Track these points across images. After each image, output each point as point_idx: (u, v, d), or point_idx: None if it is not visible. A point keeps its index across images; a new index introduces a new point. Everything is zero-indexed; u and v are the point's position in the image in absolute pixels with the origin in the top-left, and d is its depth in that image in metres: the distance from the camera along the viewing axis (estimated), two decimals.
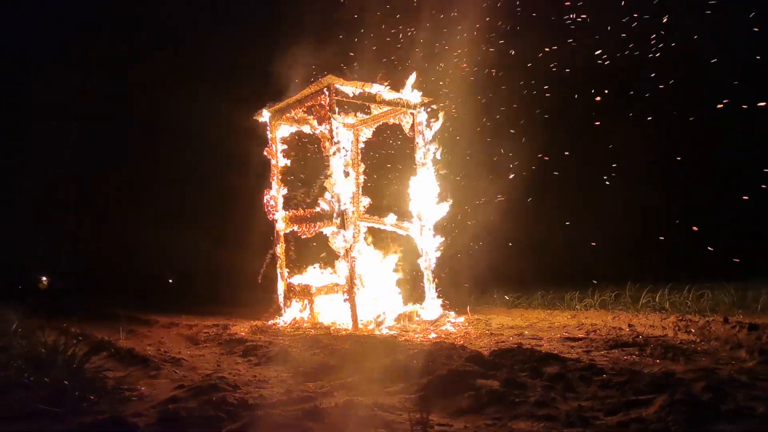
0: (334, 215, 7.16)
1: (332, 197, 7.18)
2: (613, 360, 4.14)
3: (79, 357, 3.47)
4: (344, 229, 7.08)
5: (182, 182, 19.54)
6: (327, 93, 7.13)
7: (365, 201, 8.73)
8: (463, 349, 4.40)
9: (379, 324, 7.10)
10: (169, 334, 7.58)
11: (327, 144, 7.19)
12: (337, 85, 7.14)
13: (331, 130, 7.10)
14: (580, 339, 5.43)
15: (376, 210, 8.80)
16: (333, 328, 6.85)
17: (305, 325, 7.05)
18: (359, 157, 8.78)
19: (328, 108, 7.13)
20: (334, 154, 7.12)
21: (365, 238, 8.65)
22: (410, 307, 7.68)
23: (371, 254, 8.51)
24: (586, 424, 2.38)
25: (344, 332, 6.53)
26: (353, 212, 8.41)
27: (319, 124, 7.26)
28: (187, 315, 10.23)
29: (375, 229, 8.56)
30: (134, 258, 19.12)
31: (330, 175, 7.15)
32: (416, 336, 6.42)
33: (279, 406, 2.69)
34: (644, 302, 8.61)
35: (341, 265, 7.16)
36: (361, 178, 8.80)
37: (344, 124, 8.59)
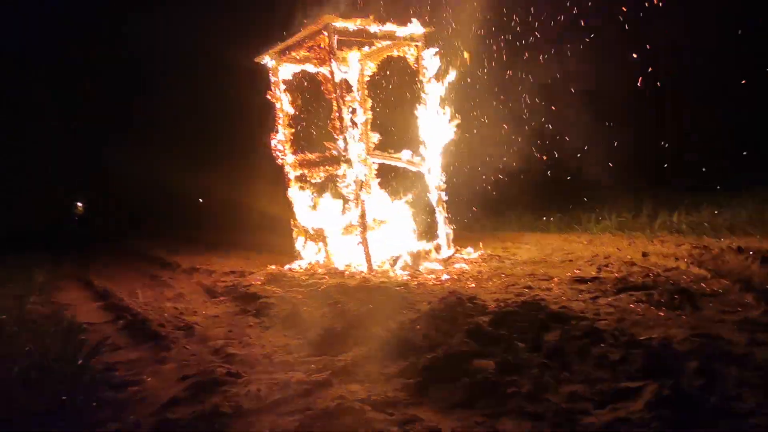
0: (341, 159, 7.09)
1: (338, 140, 7.08)
2: (618, 314, 4.14)
3: (85, 353, 3.56)
4: (353, 173, 7.02)
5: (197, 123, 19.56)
6: (326, 33, 6.92)
7: (375, 137, 8.61)
8: (468, 309, 4.41)
9: (393, 265, 7.15)
10: (189, 283, 7.76)
11: (329, 86, 7.03)
12: (335, 24, 6.91)
13: (332, 72, 6.93)
14: (589, 280, 5.41)
15: (388, 145, 8.70)
16: (347, 272, 6.92)
17: (320, 270, 7.13)
18: (366, 92, 8.59)
19: (327, 49, 6.94)
20: (337, 95, 6.97)
21: (376, 175, 8.62)
22: (425, 245, 7.70)
23: (384, 191, 8.48)
24: (573, 423, 2.41)
25: (358, 277, 6.59)
26: (363, 150, 8.35)
27: (320, 65, 7.09)
28: (208, 254, 10.44)
29: (389, 166, 8.49)
30: (157, 193, 19.40)
31: (334, 118, 7.03)
32: (429, 278, 6.47)
33: (274, 408, 2.76)
34: (661, 222, 8.55)
35: (352, 208, 7.14)
36: (369, 113, 8.63)
37: (348, 59, 8.38)
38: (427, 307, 4.78)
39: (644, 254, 6.65)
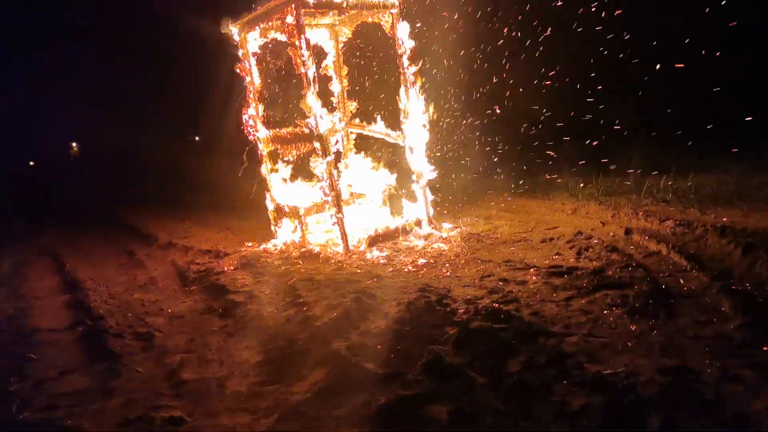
0: (313, 138, 6.79)
1: (309, 118, 6.77)
2: (588, 326, 3.97)
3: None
4: (324, 154, 6.74)
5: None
6: (292, 6, 6.52)
7: (352, 106, 8.29)
8: (436, 318, 4.23)
9: (369, 245, 6.96)
10: (164, 263, 7.60)
11: (298, 61, 6.67)
12: None
13: (301, 47, 6.57)
14: (566, 273, 5.22)
15: (369, 114, 8.39)
16: (322, 255, 6.73)
17: (294, 253, 6.93)
18: (341, 59, 8.23)
19: (295, 22, 6.56)
20: (306, 72, 6.62)
21: (356, 144, 8.35)
22: (404, 221, 7.48)
23: (361, 163, 8.22)
24: None
25: (333, 262, 6.42)
26: (340, 119, 8.04)
27: (288, 40, 6.72)
28: (189, 224, 10.24)
29: (366, 136, 8.20)
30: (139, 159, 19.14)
31: (305, 95, 6.70)
32: (406, 262, 6.28)
33: None
34: (648, 188, 8.31)
35: (326, 188, 6.89)
36: (345, 81, 8.29)
37: (320, 25, 7.98)
38: (395, 310, 4.62)
39: (627, 231, 6.46)
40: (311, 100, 6.65)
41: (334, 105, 8.31)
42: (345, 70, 8.23)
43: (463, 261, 6.09)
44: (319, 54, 8.23)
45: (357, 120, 8.20)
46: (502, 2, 10.43)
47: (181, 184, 16.28)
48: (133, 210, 12.93)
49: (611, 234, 6.50)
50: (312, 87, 6.63)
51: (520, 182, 10.05)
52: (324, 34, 8.11)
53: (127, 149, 21.05)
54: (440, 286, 5.23)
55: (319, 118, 6.68)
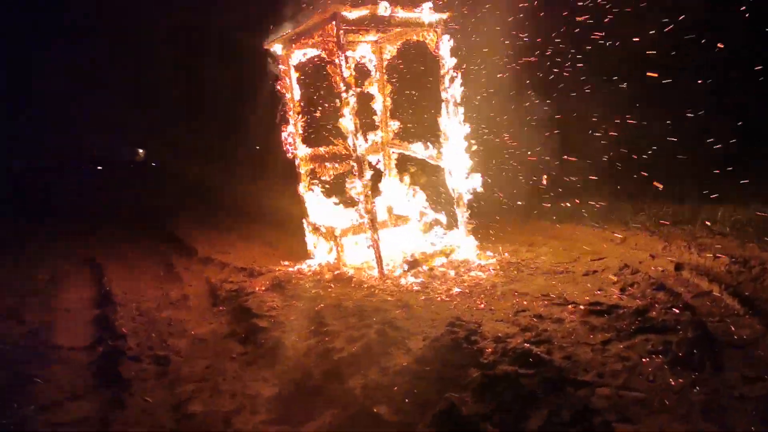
0: (351, 159, 6.63)
1: (347, 138, 6.62)
2: (623, 378, 3.65)
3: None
4: (360, 174, 6.57)
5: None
6: (334, 23, 6.39)
7: (394, 125, 8.10)
8: (461, 357, 3.99)
9: (406, 272, 6.74)
10: (199, 280, 7.52)
11: (338, 80, 6.53)
12: (344, 13, 6.37)
13: (340, 65, 6.42)
14: (606, 312, 4.89)
15: (411, 135, 8.21)
16: (356, 279, 6.54)
17: (327, 276, 6.76)
18: (385, 77, 8.06)
19: (335, 40, 6.42)
20: (344, 90, 6.47)
21: (395, 166, 8.16)
22: (443, 246, 7.24)
23: (401, 185, 8.03)
24: None
25: (365, 287, 6.23)
26: (381, 138, 7.88)
27: (329, 57, 6.58)
28: (233, 239, 10.19)
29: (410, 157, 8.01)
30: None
31: (342, 114, 6.55)
32: (441, 290, 6.05)
33: None
34: (704, 219, 7.86)
35: (362, 210, 6.71)
36: (389, 100, 8.11)
37: (364, 42, 7.84)
38: (420, 345, 4.39)
39: (677, 267, 6.08)
40: (348, 119, 6.49)
41: (376, 124, 8.14)
42: (388, 89, 8.05)
43: (500, 292, 5.81)
44: (363, 72, 8.10)
45: (398, 140, 8.01)
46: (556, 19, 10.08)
47: (234, 194, 16.35)
48: (182, 219, 12.99)
49: (660, 269, 6.12)
50: (350, 106, 6.47)
51: (569, 207, 9.66)
52: (368, 52, 7.95)
53: (190, 157, 21.30)
54: (471, 320, 4.97)
55: (356, 138, 6.50)
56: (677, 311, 4.73)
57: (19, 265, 8.65)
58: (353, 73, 6.54)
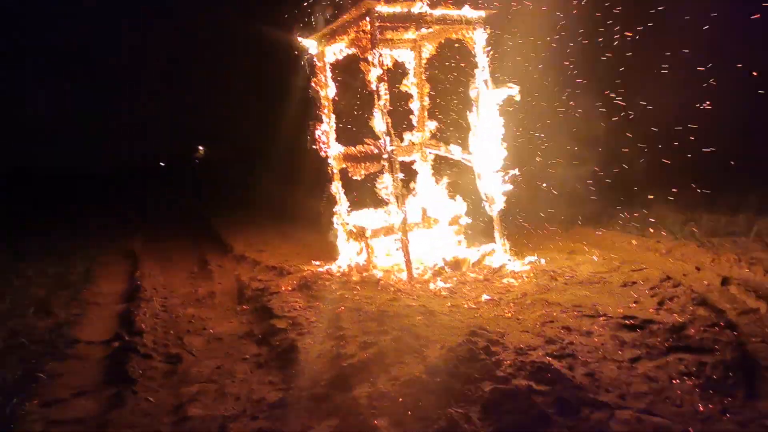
0: (382, 158, 6.46)
1: (379, 137, 6.46)
2: (648, 400, 3.38)
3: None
4: (392, 174, 6.39)
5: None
6: (368, 19, 6.24)
7: (431, 125, 7.89)
8: (478, 369, 3.77)
9: (435, 275, 6.54)
10: (229, 278, 7.49)
11: (370, 77, 6.37)
12: (378, 9, 6.21)
13: (373, 63, 6.26)
14: (640, 326, 4.58)
15: (447, 135, 8.00)
16: (383, 282, 6.36)
17: (354, 278, 6.60)
18: (423, 76, 7.85)
19: (369, 36, 6.27)
20: (377, 88, 6.31)
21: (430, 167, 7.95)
22: (475, 251, 7.01)
23: (437, 186, 7.82)
24: None
25: (392, 290, 6.05)
26: (420, 138, 7.70)
27: (362, 54, 6.43)
28: (272, 235, 10.16)
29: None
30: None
31: (374, 113, 6.39)
32: (469, 296, 5.83)
33: None
34: (759, 231, 7.42)
35: (393, 210, 6.53)
36: (426, 100, 7.90)
37: (403, 40, 7.65)
38: (435, 354, 4.18)
39: (724, 281, 5.70)
40: (380, 118, 6.32)
41: (413, 124, 7.95)
42: (427, 88, 7.85)
43: (530, 301, 5.55)
44: (401, 70, 7.93)
45: (434, 141, 7.80)
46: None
47: (274, 192, 16.37)
48: (225, 216, 13.07)
49: (705, 282, 5.75)
50: (383, 104, 6.30)
51: (615, 213, 9.27)
52: (406, 50, 7.77)
53: (249, 154, 21.44)
54: (495, 330, 4.74)
55: (387, 137, 6.33)
56: (717, 329, 4.39)
57: (61, 257, 8.77)
58: (386, 70, 6.36)
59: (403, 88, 7.86)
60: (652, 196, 9.22)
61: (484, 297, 5.78)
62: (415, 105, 7.90)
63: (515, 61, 7.46)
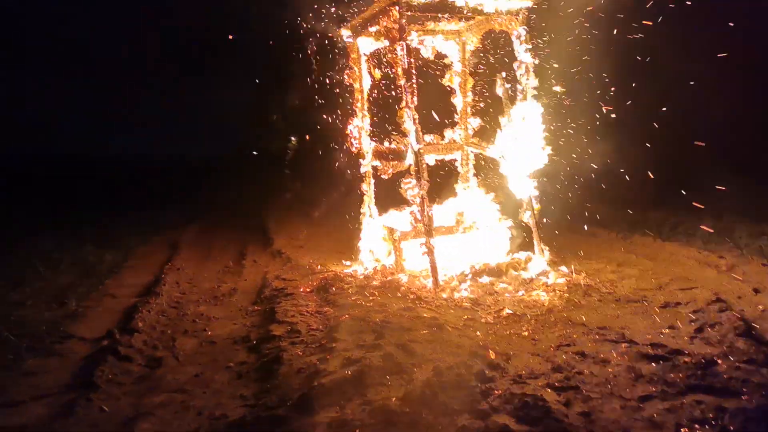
0: (408, 157, 6.09)
1: (406, 134, 6.09)
2: None
3: None
4: (418, 174, 6.01)
5: None
6: (398, 8, 5.86)
7: (475, 122, 7.43)
8: (461, 398, 3.38)
9: (462, 282, 6.13)
10: (257, 274, 7.34)
11: (399, 71, 6.00)
12: None
13: (404, 55, 5.89)
14: (664, 358, 4.04)
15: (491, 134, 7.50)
16: (404, 288, 6.00)
17: (375, 282, 6.26)
18: (468, 71, 7.40)
19: (398, 27, 5.89)
20: (406, 82, 5.93)
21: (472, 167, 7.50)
22: (509, 259, 6.53)
23: (478, 188, 7.37)
24: None
25: (410, 298, 5.69)
26: (462, 136, 7.27)
27: (391, 45, 6.07)
28: (315, 230, 9.94)
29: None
30: None
31: (402, 108, 6.02)
32: (491, 309, 5.40)
33: None
34: None
35: (418, 214, 6.15)
36: (470, 96, 7.45)
37: (444, 32, 7.22)
38: (422, 378, 3.80)
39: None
40: (408, 114, 5.95)
41: (455, 120, 7.52)
42: (471, 83, 7.39)
43: (553, 319, 5.06)
44: (444, 64, 7.51)
45: (476, 139, 7.35)
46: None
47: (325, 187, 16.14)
48: (273, 210, 12.95)
49: (760, 308, 5.09)
50: (412, 99, 5.92)
51: (680, 221, 8.53)
52: (450, 42, 7.34)
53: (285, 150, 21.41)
54: (503, 350, 4.32)
55: (414, 134, 5.95)
56: (753, 367, 3.80)
57: (103, 245, 8.83)
58: (419, 62, 5.97)
59: (445, 83, 7.43)
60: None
61: (507, 311, 5.32)
62: (457, 100, 7.46)
63: (561, 55, 6.87)
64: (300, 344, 4.58)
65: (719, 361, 3.91)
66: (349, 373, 3.85)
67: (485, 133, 7.16)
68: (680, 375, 3.76)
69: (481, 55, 7.37)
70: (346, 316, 5.12)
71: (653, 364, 3.97)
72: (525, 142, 6.38)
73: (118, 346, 4.47)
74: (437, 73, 7.44)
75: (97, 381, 3.88)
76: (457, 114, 7.48)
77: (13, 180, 18.75)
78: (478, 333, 4.78)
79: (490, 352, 4.24)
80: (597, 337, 4.57)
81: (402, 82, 5.93)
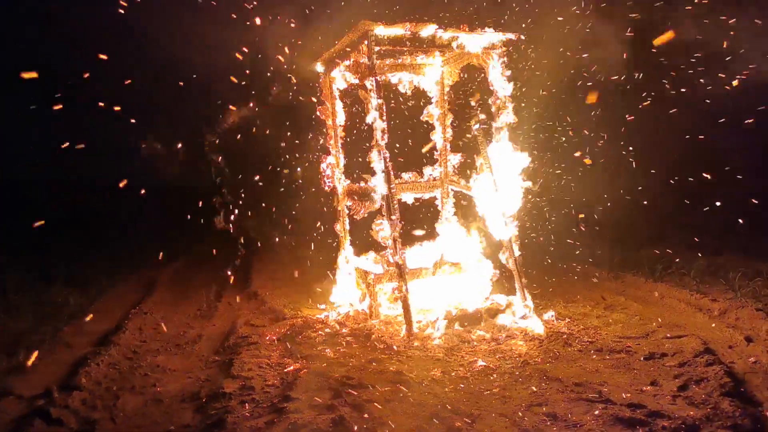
0: (378, 197, 5.79)
1: (374, 174, 5.80)
2: None
3: None
4: (389, 216, 5.70)
5: None
6: (366, 42, 5.62)
7: (455, 159, 7.15)
8: None
9: (435, 328, 5.78)
10: (226, 320, 6.96)
11: (368, 107, 5.74)
12: (377, 31, 5.57)
13: (374, 90, 5.63)
14: (640, 423, 3.67)
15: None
16: (375, 336, 5.68)
17: (344, 331, 5.92)
18: (446, 105, 7.14)
19: (367, 62, 5.64)
20: (374, 120, 5.66)
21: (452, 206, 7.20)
22: (488, 304, 6.19)
23: (459, 227, 7.06)
24: None
25: (380, 349, 5.36)
26: (442, 173, 6.99)
27: (361, 81, 5.82)
28: (291, 274, 9.50)
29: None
30: None
31: (373, 147, 5.75)
32: (464, 360, 5.06)
33: None
34: None
35: (390, 257, 5.84)
36: (449, 131, 7.18)
37: (421, 65, 6.99)
38: None
39: None
40: (377, 153, 5.67)
41: (435, 157, 7.24)
42: (449, 118, 7.13)
43: (528, 373, 4.70)
44: (423, 98, 7.26)
45: (456, 177, 7.05)
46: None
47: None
48: (261, 250, 12.54)
49: (751, 360, 4.73)
50: (381, 137, 5.65)
51: (674, 259, 8.18)
52: (427, 77, 7.09)
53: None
54: (468, 411, 3.98)
55: (385, 175, 5.66)
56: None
57: (73, 284, 8.48)
58: (382, 99, 5.70)
59: (424, 118, 7.17)
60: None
61: (480, 363, 4.97)
62: (437, 136, 7.19)
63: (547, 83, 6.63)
64: (250, 403, 4.23)
65: (701, 426, 3.56)
66: None
67: (466, 170, 6.86)
68: None
69: (460, 91, 7.13)
70: (305, 370, 4.78)
71: (629, 430, 3.61)
72: (505, 181, 6.08)
73: (50, 408, 4.12)
74: (412, 110, 7.19)
75: None
76: (436, 150, 7.19)
77: None
78: (445, 389, 4.44)
79: (455, 414, 3.89)
80: (572, 395, 4.21)
81: (371, 119, 5.65)
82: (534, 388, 4.39)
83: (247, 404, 4.22)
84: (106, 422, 4.09)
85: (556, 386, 4.39)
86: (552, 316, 6.10)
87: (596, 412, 3.88)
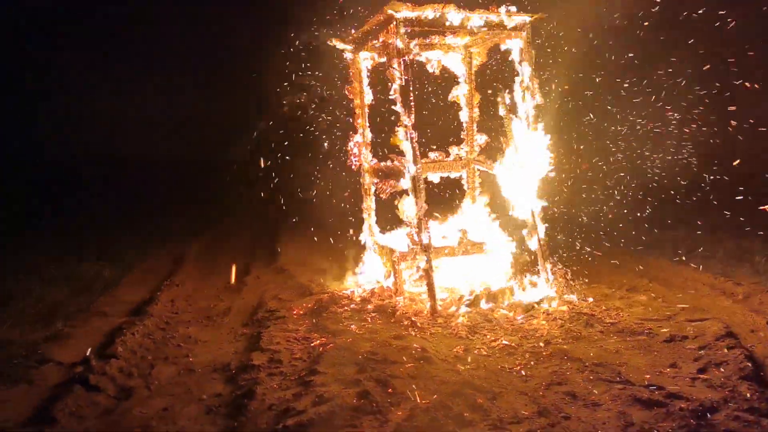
0: (405, 175, 5.88)
1: (401, 153, 5.89)
2: None
3: None
4: (414, 194, 5.80)
5: None
6: (394, 23, 5.67)
7: (481, 139, 7.19)
8: None
9: (457, 309, 5.89)
10: (255, 293, 7.16)
11: (395, 88, 5.81)
12: (402, 14, 5.62)
13: (397, 72, 5.69)
14: (657, 404, 3.76)
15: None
16: (400, 313, 5.80)
17: (369, 307, 6.06)
18: (474, 86, 7.16)
19: (393, 43, 5.70)
20: (401, 99, 5.73)
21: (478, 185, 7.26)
22: (514, 283, 6.28)
23: (484, 207, 7.12)
24: None
25: (403, 326, 5.49)
26: (468, 153, 7.04)
27: (388, 62, 5.87)
28: (320, 248, 9.64)
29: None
30: None
31: (398, 127, 5.82)
32: (486, 339, 5.17)
33: None
34: None
35: (414, 234, 5.94)
36: (476, 111, 7.21)
37: (450, 46, 7.01)
38: (398, 421, 3.59)
39: None
40: (403, 132, 5.74)
41: (462, 137, 7.28)
42: (477, 98, 7.15)
43: (548, 353, 4.79)
44: (451, 79, 7.29)
45: (482, 156, 7.10)
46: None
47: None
48: (289, 224, 12.68)
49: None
50: (408, 117, 5.72)
51: (699, 242, 8.16)
52: (455, 57, 7.12)
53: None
54: (489, 389, 4.08)
55: (411, 154, 5.74)
56: (752, 418, 3.51)
57: (100, 257, 8.72)
58: (411, 79, 5.75)
59: (451, 98, 7.21)
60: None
61: (503, 342, 5.07)
62: (463, 116, 7.23)
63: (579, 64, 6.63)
64: (278, 375, 4.39)
65: (719, 409, 3.64)
66: (319, 413, 3.65)
67: (492, 150, 6.91)
68: (673, 424, 3.48)
69: (487, 71, 7.15)
70: (331, 345, 4.92)
71: (647, 410, 3.70)
72: (530, 160, 6.13)
73: (89, 374, 4.32)
74: (441, 89, 7.23)
75: (57, 415, 3.72)
76: (463, 130, 7.23)
77: None
78: (467, 366, 4.55)
79: (477, 390, 4.01)
80: (591, 375, 4.30)
81: (398, 99, 5.72)
82: (555, 368, 4.48)
83: (275, 377, 4.38)
84: (141, 390, 4.27)
85: (576, 366, 4.48)
86: (574, 297, 6.15)
87: (615, 393, 3.96)
